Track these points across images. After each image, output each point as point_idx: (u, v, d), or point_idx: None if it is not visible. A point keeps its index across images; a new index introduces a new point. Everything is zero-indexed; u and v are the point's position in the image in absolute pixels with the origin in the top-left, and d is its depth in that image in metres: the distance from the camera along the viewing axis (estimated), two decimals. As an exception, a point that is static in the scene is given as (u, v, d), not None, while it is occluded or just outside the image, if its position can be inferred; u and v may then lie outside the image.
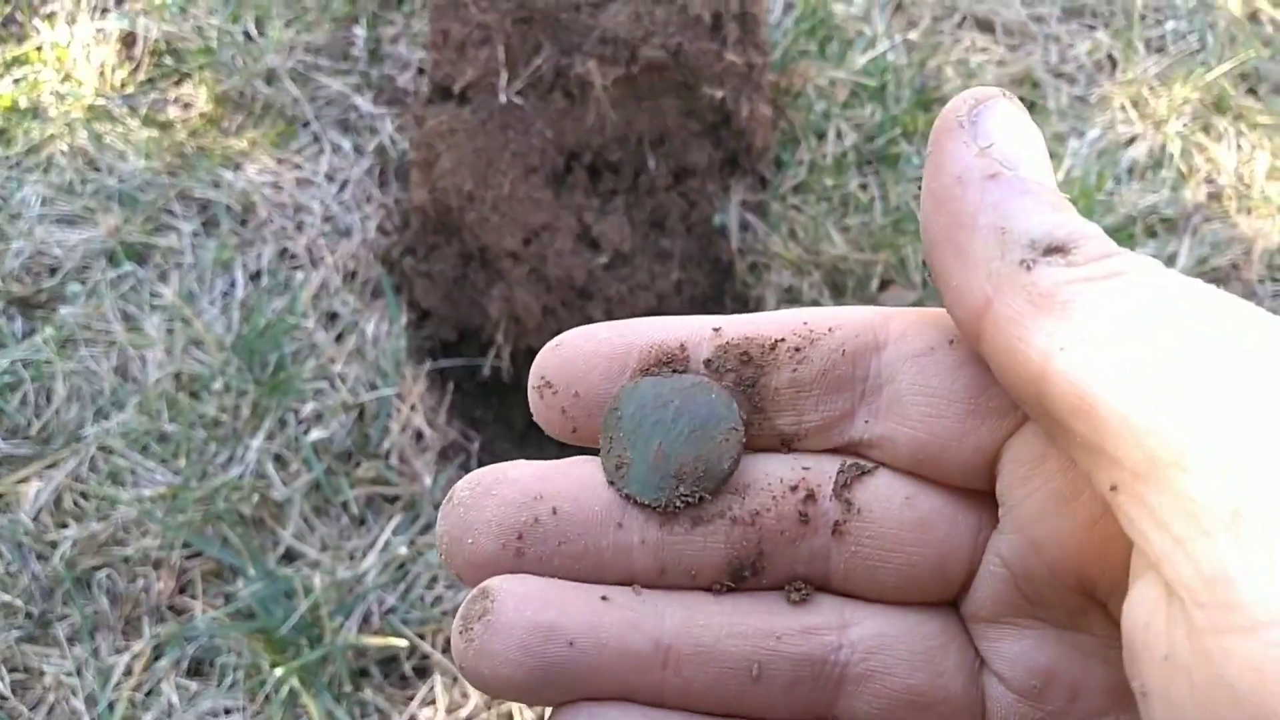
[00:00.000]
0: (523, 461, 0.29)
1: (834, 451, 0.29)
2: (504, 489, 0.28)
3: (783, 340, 0.28)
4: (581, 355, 0.28)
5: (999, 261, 0.23)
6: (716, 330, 0.28)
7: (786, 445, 0.29)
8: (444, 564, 0.27)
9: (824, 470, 0.29)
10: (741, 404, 0.29)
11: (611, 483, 0.29)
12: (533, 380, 0.28)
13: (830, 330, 0.27)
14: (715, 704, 0.28)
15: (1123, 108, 1.58)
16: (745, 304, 1.33)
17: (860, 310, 0.28)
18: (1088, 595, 0.26)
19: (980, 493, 0.28)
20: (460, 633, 0.26)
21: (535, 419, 0.29)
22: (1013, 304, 0.23)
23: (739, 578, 0.29)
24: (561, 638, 0.26)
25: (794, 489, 0.28)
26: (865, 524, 0.28)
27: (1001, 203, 0.24)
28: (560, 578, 0.28)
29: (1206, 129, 1.57)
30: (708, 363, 0.28)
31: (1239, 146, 1.55)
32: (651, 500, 0.28)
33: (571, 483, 0.28)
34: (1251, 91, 1.65)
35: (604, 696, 0.27)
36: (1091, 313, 0.22)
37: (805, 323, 0.28)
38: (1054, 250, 0.23)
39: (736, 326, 0.28)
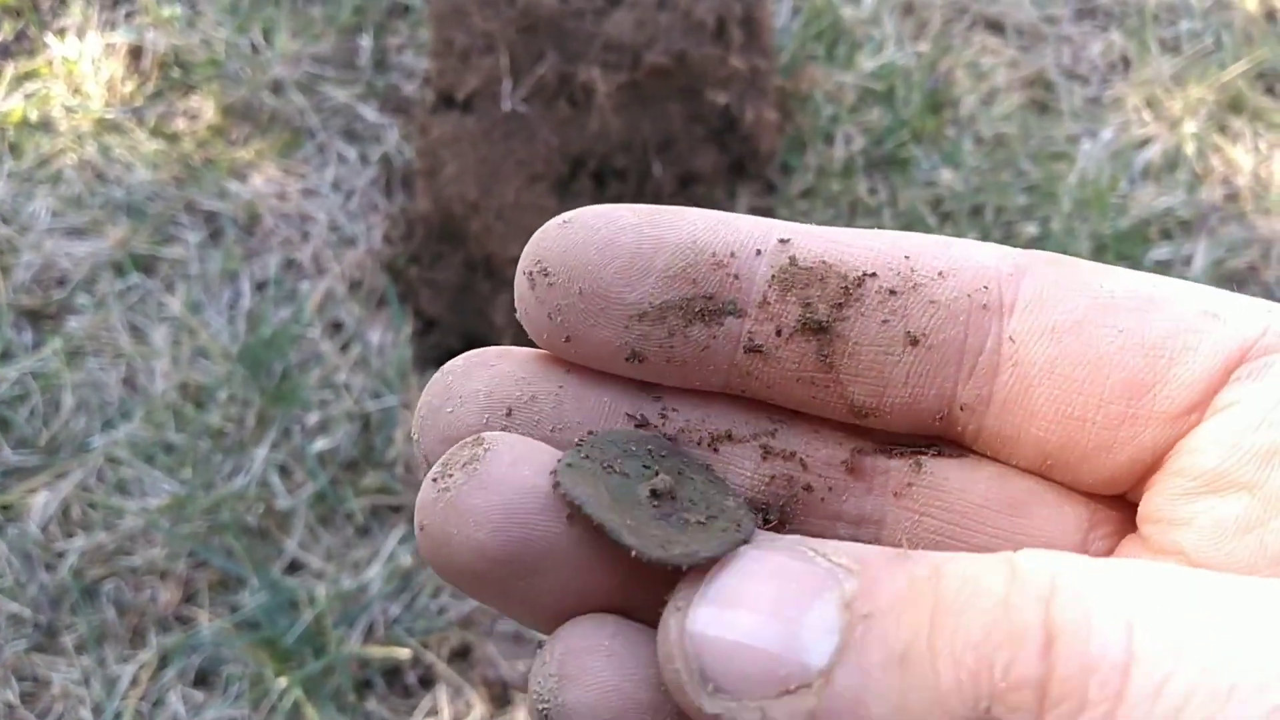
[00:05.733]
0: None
1: (918, 440, 0.22)
2: (504, 362, 0.22)
3: (874, 276, 0.20)
4: (596, 242, 0.21)
5: None
6: (784, 242, 0.21)
7: (857, 417, 0.22)
8: (415, 441, 0.22)
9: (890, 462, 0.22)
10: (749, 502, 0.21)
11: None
12: (525, 263, 0.21)
13: (941, 275, 0.20)
14: None
15: (1137, 109, 1.55)
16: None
17: (979, 250, 0.21)
18: None
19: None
20: (435, 479, 0.20)
21: (517, 315, 0.22)
22: None
23: (764, 521, 0.23)
24: (560, 511, 0.20)
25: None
26: (937, 491, 0.21)
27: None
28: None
29: (1223, 129, 1.55)
30: (763, 300, 0.20)
31: (1257, 147, 1.53)
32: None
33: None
34: (1269, 91, 1.62)
35: (590, 606, 0.21)
36: None
37: (907, 257, 0.20)
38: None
39: (810, 241, 0.21)
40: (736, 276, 0.21)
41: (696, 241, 0.21)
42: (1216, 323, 0.19)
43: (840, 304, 0.20)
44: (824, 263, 0.21)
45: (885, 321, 0.21)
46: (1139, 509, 0.21)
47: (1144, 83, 1.58)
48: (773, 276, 0.21)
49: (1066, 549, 0.21)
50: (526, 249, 0.22)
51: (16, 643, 1.07)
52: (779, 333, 0.21)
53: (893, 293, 0.21)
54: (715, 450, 0.22)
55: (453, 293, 1.26)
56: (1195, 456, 0.19)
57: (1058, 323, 0.20)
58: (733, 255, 0.21)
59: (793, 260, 0.21)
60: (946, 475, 0.22)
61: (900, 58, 1.55)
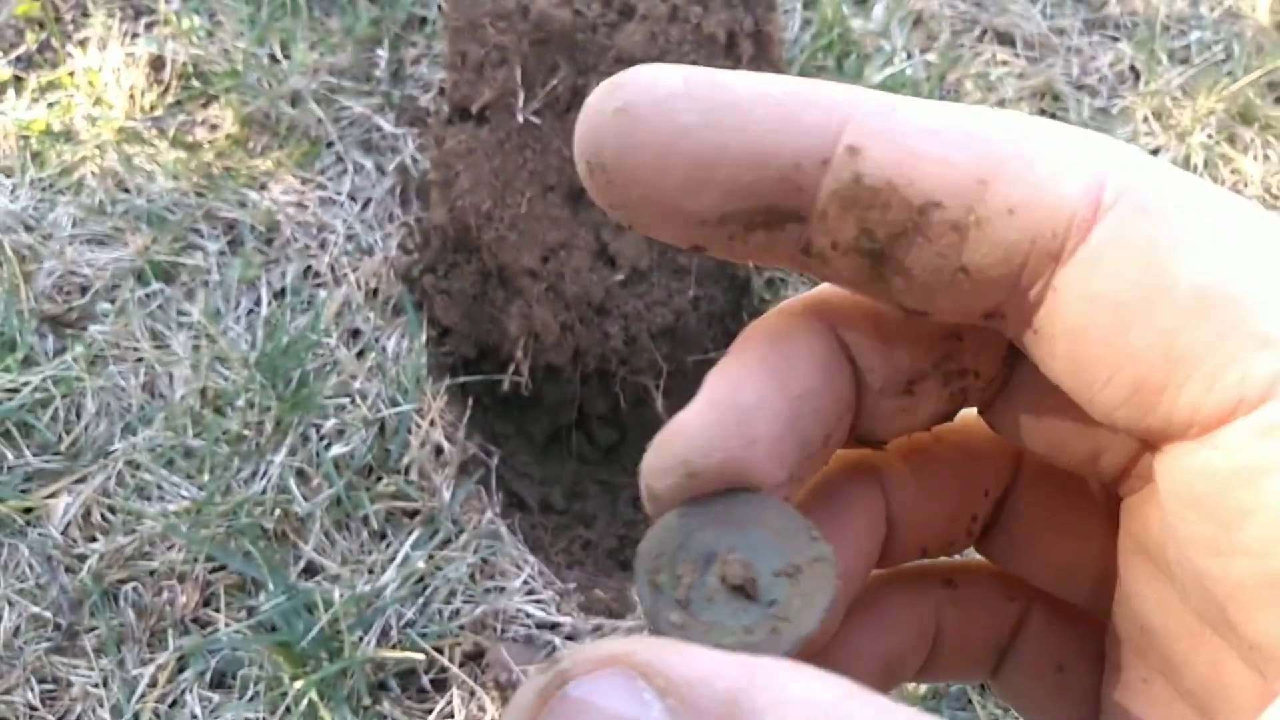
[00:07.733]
0: None
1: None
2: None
3: (939, 206, 0.19)
4: (655, 145, 0.19)
5: None
6: (853, 151, 0.19)
7: (904, 313, 0.22)
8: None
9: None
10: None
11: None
12: (584, 147, 0.20)
13: (1010, 211, 0.19)
14: None
15: (1145, 119, 1.56)
16: (762, 319, 1.33)
17: (1065, 176, 0.19)
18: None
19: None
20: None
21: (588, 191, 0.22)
22: None
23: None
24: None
25: None
26: (1037, 391, 0.23)
27: None
28: None
29: (1232, 140, 1.55)
30: (823, 214, 0.20)
31: (1266, 157, 1.53)
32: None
33: None
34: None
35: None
36: None
37: (981, 181, 0.19)
38: None
39: (882, 151, 0.19)
40: (800, 189, 0.20)
41: (762, 151, 0.19)
42: (1262, 353, 0.17)
43: (899, 234, 0.20)
44: (890, 184, 0.19)
45: (940, 254, 0.20)
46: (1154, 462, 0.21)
47: (1153, 93, 1.59)
48: (834, 191, 0.20)
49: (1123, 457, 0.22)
50: (583, 129, 0.20)
51: (37, 645, 1.08)
52: (834, 246, 0.20)
53: (955, 228, 0.19)
54: (911, 393, 0.23)
55: (467, 301, 1.28)
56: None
57: (1100, 293, 0.19)
58: (798, 167, 0.20)
59: (857, 178, 0.19)
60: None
61: (910, 69, 1.56)
